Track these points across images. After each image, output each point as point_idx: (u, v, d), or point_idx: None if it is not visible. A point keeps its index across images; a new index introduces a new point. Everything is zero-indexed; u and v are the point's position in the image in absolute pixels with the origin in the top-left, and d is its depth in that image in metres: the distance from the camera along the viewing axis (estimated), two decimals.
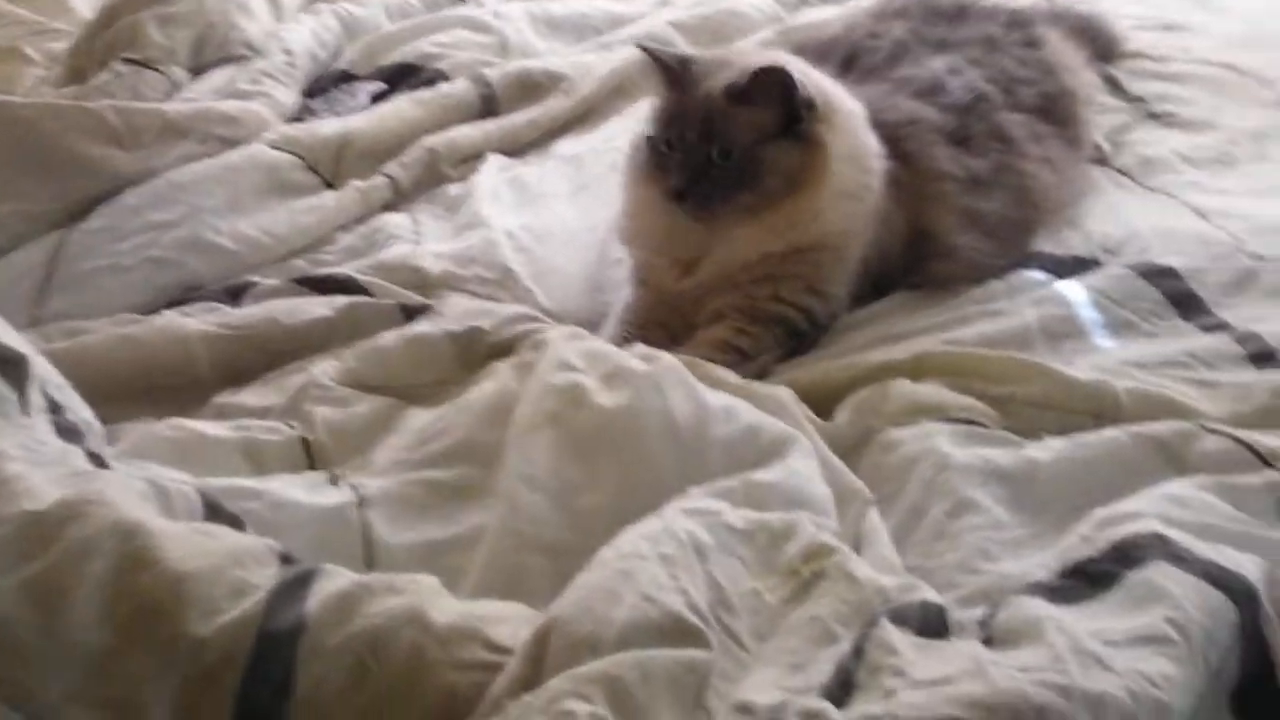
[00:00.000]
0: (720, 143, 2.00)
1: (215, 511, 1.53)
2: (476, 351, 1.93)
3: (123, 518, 1.31)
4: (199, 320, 2.04)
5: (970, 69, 2.33)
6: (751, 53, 2.23)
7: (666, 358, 1.77)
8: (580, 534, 1.52)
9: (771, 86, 2.00)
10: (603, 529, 1.42)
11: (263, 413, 1.87)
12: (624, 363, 1.74)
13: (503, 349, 1.92)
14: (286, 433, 1.81)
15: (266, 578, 1.32)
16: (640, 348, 1.82)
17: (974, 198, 2.16)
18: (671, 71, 2.08)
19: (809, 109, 2.03)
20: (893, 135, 2.15)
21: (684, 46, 2.95)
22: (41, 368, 1.64)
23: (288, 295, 2.15)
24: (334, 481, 1.72)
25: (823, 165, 2.03)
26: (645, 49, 2.16)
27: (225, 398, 1.93)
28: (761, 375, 1.96)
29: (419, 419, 1.82)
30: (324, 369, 1.92)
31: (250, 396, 1.92)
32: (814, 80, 2.09)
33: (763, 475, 1.56)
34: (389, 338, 1.99)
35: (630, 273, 2.19)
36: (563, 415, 1.67)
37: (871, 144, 2.11)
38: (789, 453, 1.63)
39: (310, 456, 1.79)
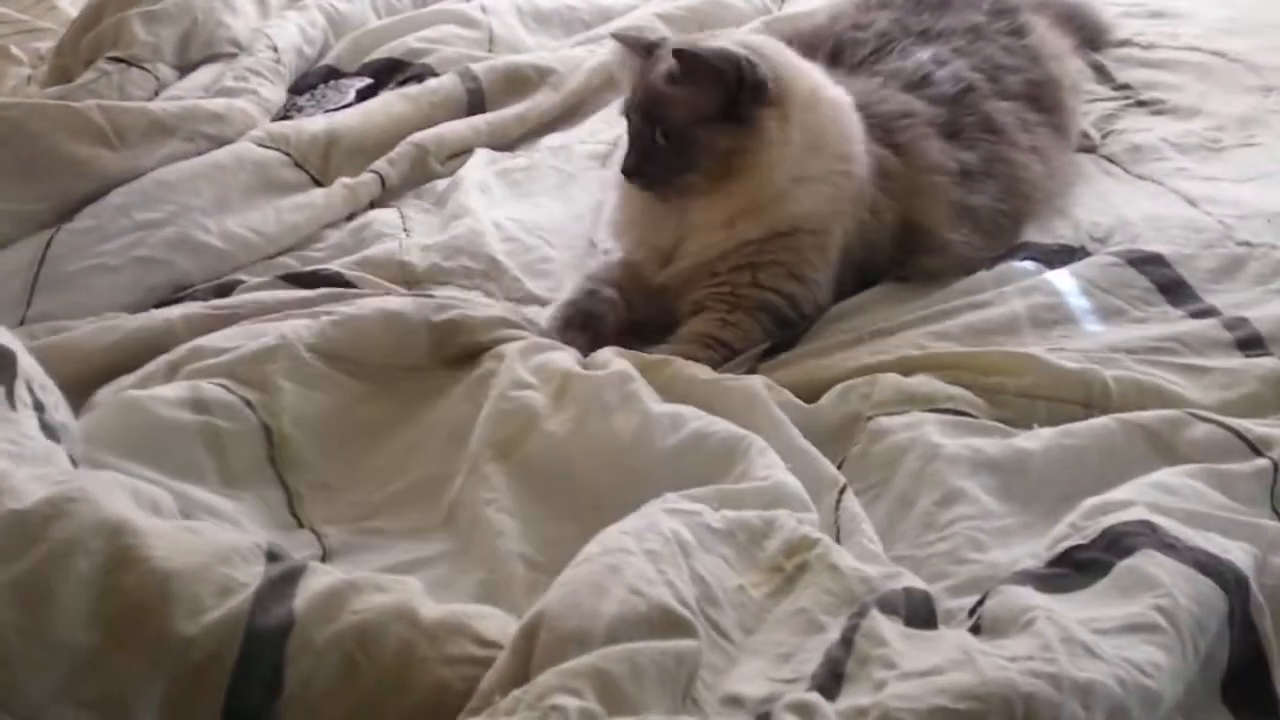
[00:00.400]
0: (660, 124, 2.03)
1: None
2: (451, 345, 1.93)
3: (108, 516, 1.31)
4: (183, 307, 2.05)
5: (956, 59, 2.33)
6: (717, 36, 2.23)
7: (617, 365, 1.79)
8: (550, 557, 1.53)
9: (701, 68, 2.02)
10: (570, 553, 1.40)
11: (228, 368, 1.84)
12: (572, 375, 1.77)
13: (476, 349, 1.91)
14: (248, 420, 1.79)
15: (254, 575, 1.32)
16: (601, 353, 1.86)
17: (965, 191, 2.16)
18: (639, 57, 2.13)
19: (755, 92, 2.02)
20: (887, 126, 2.16)
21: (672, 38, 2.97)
22: (28, 365, 1.63)
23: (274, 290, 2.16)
24: (292, 507, 1.73)
25: (761, 149, 2.03)
26: (617, 36, 2.24)
27: (188, 345, 1.92)
28: (747, 372, 1.95)
29: (381, 442, 1.82)
30: (300, 325, 1.91)
31: (216, 340, 1.91)
32: (777, 65, 2.08)
33: (734, 486, 1.56)
34: (369, 307, 1.98)
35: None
36: (514, 445, 1.70)
37: (848, 130, 2.11)
38: (740, 454, 1.63)
39: (272, 447, 1.78)
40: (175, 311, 2.04)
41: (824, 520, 1.59)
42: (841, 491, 1.64)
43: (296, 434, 1.79)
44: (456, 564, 1.63)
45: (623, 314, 2.09)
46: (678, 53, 2.02)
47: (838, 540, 1.56)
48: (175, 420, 1.75)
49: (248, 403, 1.80)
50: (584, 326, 2.03)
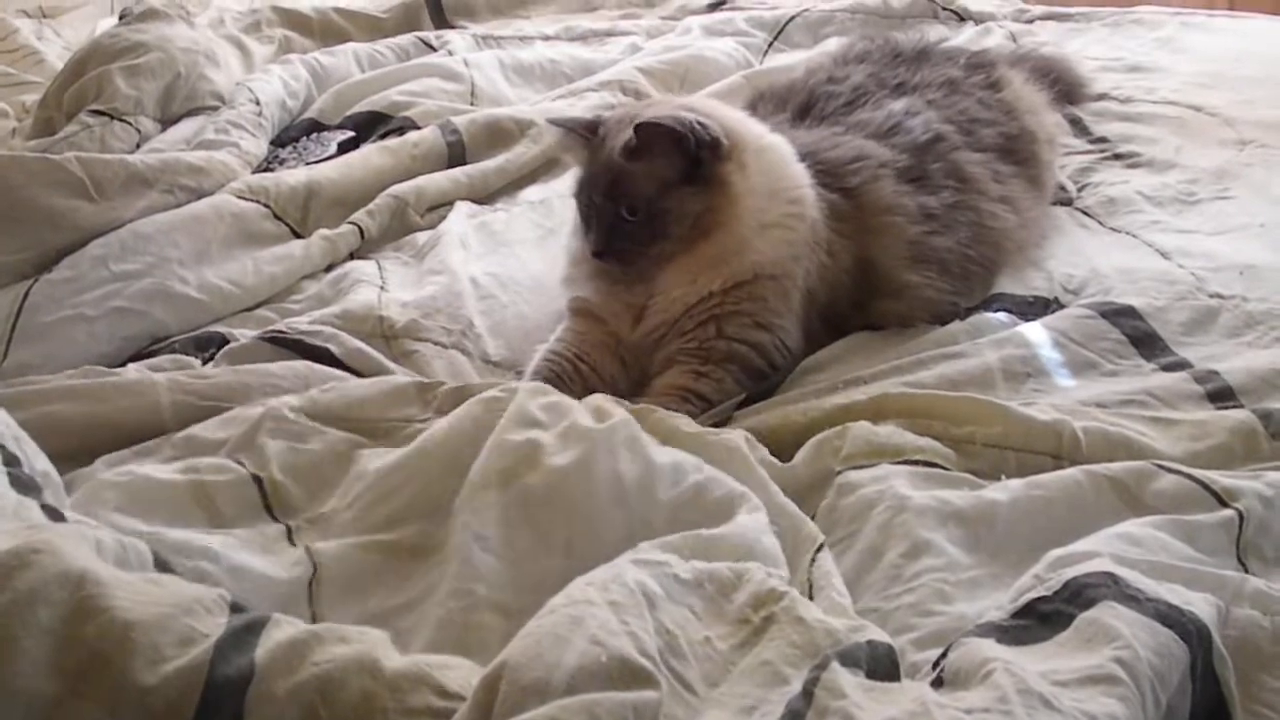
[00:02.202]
0: (625, 201, 2.04)
1: (165, 569, 1.51)
2: (439, 398, 1.92)
3: (70, 567, 1.30)
4: (168, 383, 2.01)
5: (929, 110, 2.35)
6: (656, 105, 2.24)
7: (620, 413, 1.78)
8: (532, 597, 1.51)
9: (660, 138, 2.03)
10: (551, 592, 1.40)
11: (218, 446, 1.85)
12: (580, 420, 1.75)
13: (464, 399, 1.90)
14: (237, 471, 1.79)
15: (216, 626, 1.31)
16: (597, 399, 1.83)
17: (926, 233, 2.16)
18: (582, 137, 2.14)
19: (713, 150, 2.04)
20: (836, 171, 2.17)
21: (652, 92, 3.00)
22: None
23: (259, 358, 2.13)
24: (291, 537, 1.72)
25: (731, 204, 2.05)
26: (553, 121, 2.24)
27: (184, 432, 1.91)
28: (723, 422, 1.96)
29: (377, 462, 1.80)
30: (284, 400, 1.91)
31: (209, 429, 1.90)
32: (721, 119, 2.10)
33: (711, 530, 1.55)
34: (356, 381, 2.00)
35: (568, 304, 2.20)
36: (516, 475, 1.68)
37: (794, 173, 2.13)
38: (736, 511, 1.63)
39: (264, 494, 1.78)
40: (160, 381, 2.00)
41: (798, 577, 1.59)
42: (818, 549, 1.63)
43: (287, 480, 1.79)
44: (435, 603, 1.60)
45: (588, 383, 2.09)
46: (639, 126, 2.03)
47: (810, 596, 1.56)
48: (166, 480, 1.76)
49: (239, 461, 1.81)
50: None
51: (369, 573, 1.66)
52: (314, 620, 1.58)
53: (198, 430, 1.90)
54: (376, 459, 1.80)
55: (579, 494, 1.66)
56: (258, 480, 1.78)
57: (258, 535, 1.71)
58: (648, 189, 2.04)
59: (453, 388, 1.93)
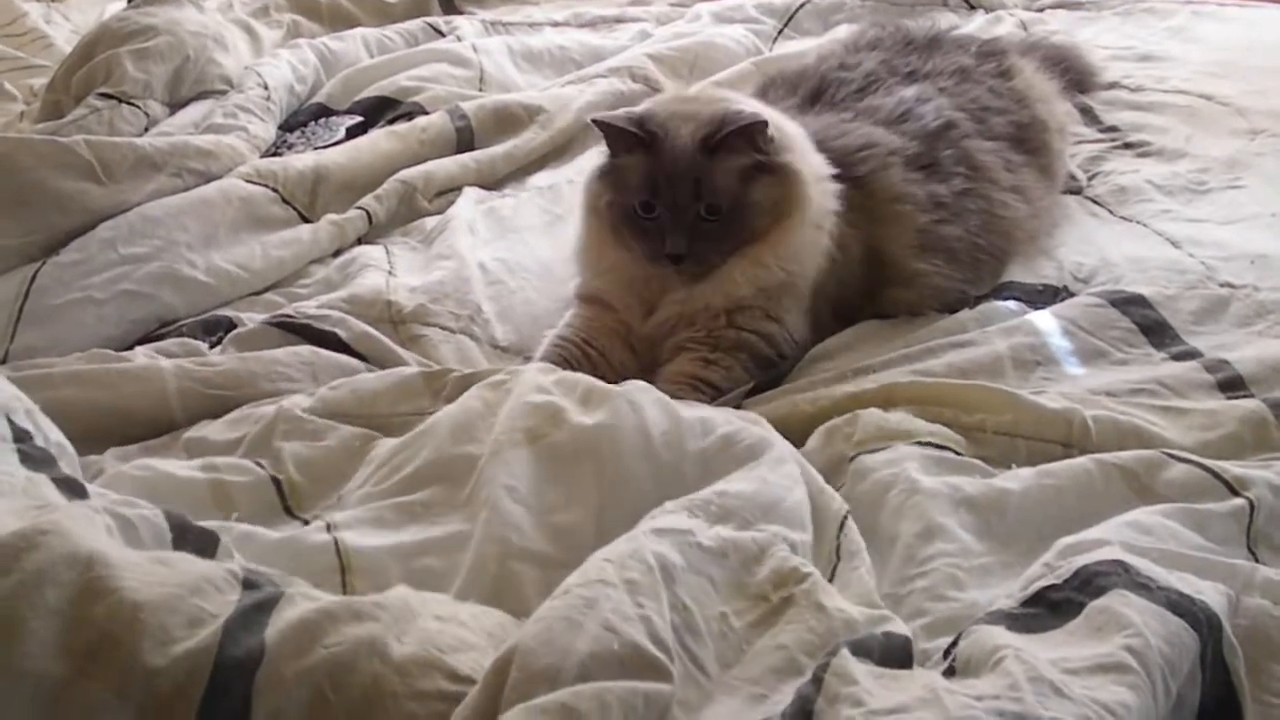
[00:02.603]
0: (708, 198, 1.99)
1: (184, 531, 1.52)
2: (450, 381, 1.92)
3: (79, 548, 1.30)
4: (174, 370, 2.01)
5: (940, 97, 2.34)
6: (702, 99, 2.20)
7: (635, 380, 1.78)
8: (562, 548, 1.53)
9: (742, 131, 2.00)
10: (583, 544, 1.42)
11: (231, 446, 1.86)
12: (596, 385, 1.75)
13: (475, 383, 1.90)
14: (256, 473, 1.79)
15: (226, 605, 1.31)
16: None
17: (935, 221, 2.16)
18: (632, 135, 2.04)
19: (770, 142, 2.03)
20: (846, 160, 2.15)
21: (662, 79, 2.99)
22: (7, 393, 1.63)
23: (266, 343, 2.13)
24: (305, 523, 1.72)
25: (801, 190, 2.04)
26: (599, 121, 2.10)
27: (194, 432, 1.92)
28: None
29: (387, 447, 1.81)
30: (295, 401, 1.91)
31: (218, 430, 1.91)
32: (767, 113, 2.09)
33: (736, 486, 1.55)
34: (365, 376, 2.00)
35: (576, 292, 2.19)
36: (541, 432, 1.68)
37: (824, 166, 2.12)
38: (764, 456, 1.63)
39: (282, 495, 1.78)
40: (167, 368, 2.00)
41: (825, 545, 1.59)
42: (844, 519, 1.63)
43: (304, 480, 1.79)
44: (466, 551, 1.60)
45: (598, 368, 2.07)
46: (717, 121, 2.00)
47: (836, 563, 1.56)
48: (185, 477, 1.77)
49: (258, 463, 1.81)
50: None
51: (387, 526, 1.66)
52: (342, 555, 1.60)
53: (208, 432, 1.91)
54: (386, 447, 1.81)
55: (608, 448, 1.66)
56: (276, 482, 1.79)
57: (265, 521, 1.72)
58: (731, 184, 2.01)
59: (461, 375, 1.93)
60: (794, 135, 2.12)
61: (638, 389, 1.74)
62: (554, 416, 1.69)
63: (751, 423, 1.76)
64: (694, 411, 1.72)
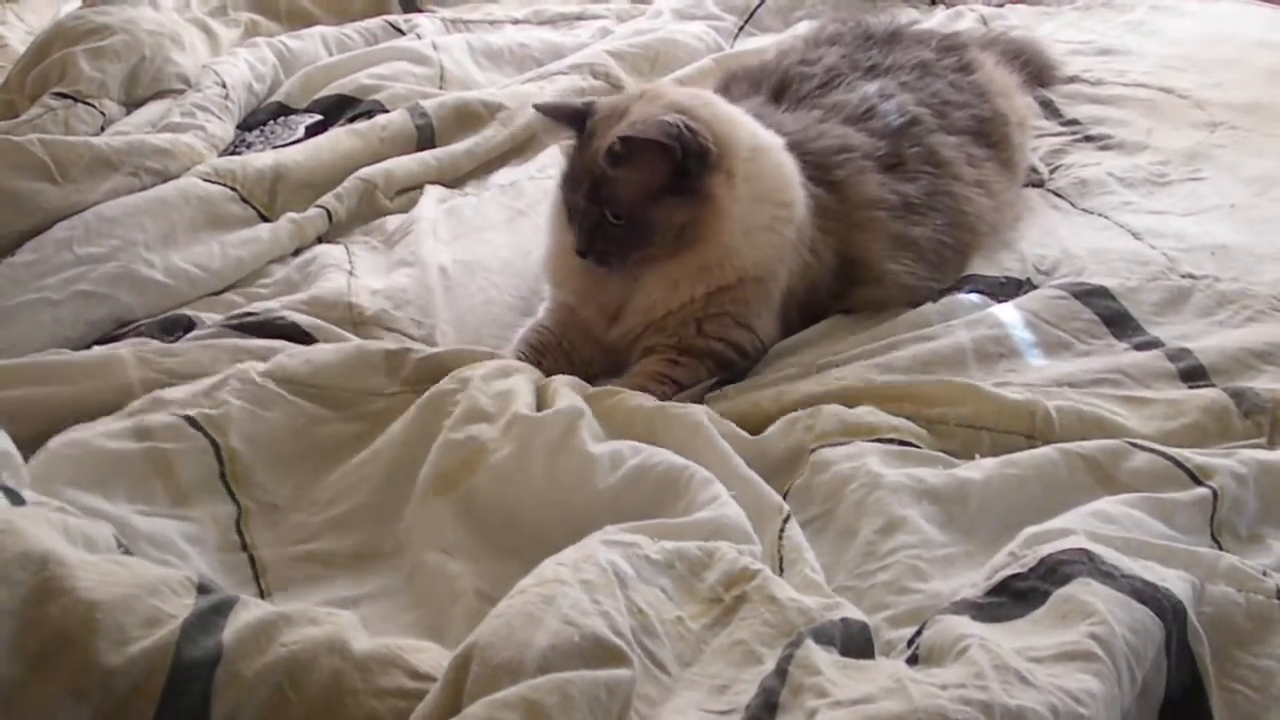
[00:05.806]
0: (609, 206, 1.98)
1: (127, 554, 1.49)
2: (410, 365, 1.91)
3: (32, 548, 1.28)
4: (137, 360, 1.96)
5: (902, 92, 2.34)
6: (649, 101, 2.08)
7: (566, 402, 1.78)
8: (503, 591, 1.51)
9: (645, 147, 1.95)
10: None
11: (180, 404, 1.81)
12: (519, 417, 1.74)
13: (441, 369, 1.89)
14: (194, 438, 1.76)
15: (182, 607, 1.30)
16: (561, 380, 1.86)
17: (905, 224, 2.15)
18: (572, 123, 2.06)
19: (700, 159, 1.97)
20: (822, 164, 2.14)
21: (623, 76, 2.99)
22: None
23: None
24: (240, 527, 1.71)
25: (716, 217, 2.00)
26: (540, 108, 2.16)
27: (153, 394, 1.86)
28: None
29: (331, 464, 1.80)
30: (252, 365, 1.88)
31: (172, 394, 1.85)
32: (713, 121, 2.02)
33: (678, 520, 1.55)
34: (323, 346, 1.98)
35: (548, 300, 2.19)
36: (454, 479, 1.69)
37: (787, 176, 2.08)
38: (684, 488, 1.62)
39: (222, 464, 1.75)
40: (128, 358, 1.95)
41: (767, 550, 1.58)
42: (785, 520, 1.63)
43: (245, 450, 1.77)
44: (397, 600, 1.61)
45: (570, 358, 2.08)
46: (622, 140, 1.95)
47: (780, 569, 1.56)
48: (120, 450, 1.72)
49: (191, 421, 1.77)
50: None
51: (319, 584, 1.66)
52: None
53: (162, 393, 1.85)
54: (333, 455, 1.80)
55: (518, 494, 1.68)
56: (215, 446, 1.76)
57: (211, 521, 1.70)
58: (631, 197, 1.98)
59: (422, 358, 1.91)
60: (753, 151, 2.05)
61: (554, 423, 1.73)
62: (469, 461, 1.70)
63: (688, 429, 1.77)
64: (603, 446, 1.71)
